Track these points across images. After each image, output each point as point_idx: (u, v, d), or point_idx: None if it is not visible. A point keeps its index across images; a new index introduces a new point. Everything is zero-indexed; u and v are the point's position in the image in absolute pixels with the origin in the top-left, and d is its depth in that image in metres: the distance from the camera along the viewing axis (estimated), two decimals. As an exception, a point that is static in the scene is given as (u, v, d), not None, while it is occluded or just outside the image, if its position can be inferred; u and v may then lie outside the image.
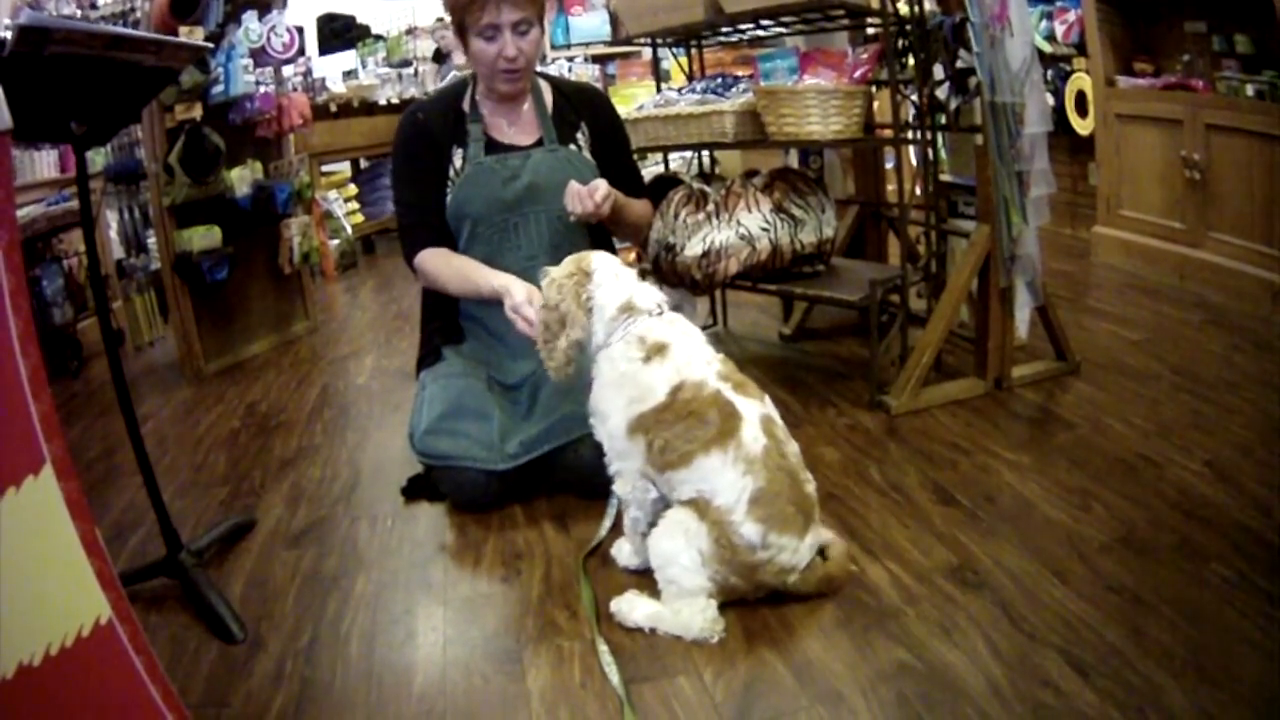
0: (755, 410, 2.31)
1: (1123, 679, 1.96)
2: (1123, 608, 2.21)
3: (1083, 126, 5.87)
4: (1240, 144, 4.52)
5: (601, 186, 2.92)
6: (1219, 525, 2.55)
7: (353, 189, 8.35)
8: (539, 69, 3.27)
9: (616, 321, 2.42)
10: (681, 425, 2.28)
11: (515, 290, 2.76)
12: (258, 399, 4.50)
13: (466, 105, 3.11)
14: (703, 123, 3.73)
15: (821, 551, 2.34)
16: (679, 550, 2.21)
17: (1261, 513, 2.59)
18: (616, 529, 2.68)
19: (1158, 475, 2.86)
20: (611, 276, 2.48)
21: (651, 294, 2.49)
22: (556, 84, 3.27)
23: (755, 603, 2.31)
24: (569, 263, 2.53)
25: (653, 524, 2.40)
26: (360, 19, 9.53)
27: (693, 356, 2.37)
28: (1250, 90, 4.51)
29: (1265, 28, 4.37)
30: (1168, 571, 2.35)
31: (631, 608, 2.28)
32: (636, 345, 2.38)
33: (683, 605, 2.20)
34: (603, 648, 2.19)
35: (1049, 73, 5.96)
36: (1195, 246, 4.89)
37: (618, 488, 2.52)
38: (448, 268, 3.04)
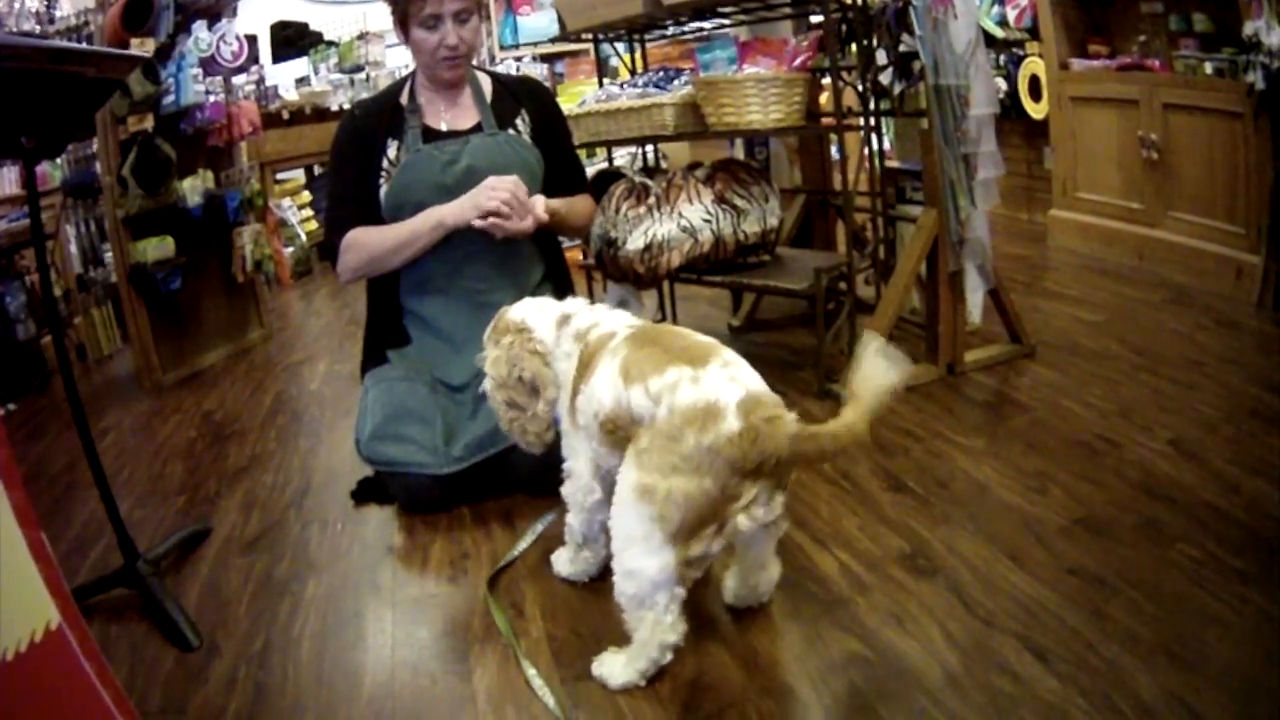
0: (625, 330, 2.24)
1: (1086, 663, 1.92)
2: (1084, 591, 2.18)
3: (1037, 111, 5.87)
4: (1199, 122, 4.52)
5: (539, 200, 2.96)
6: (1184, 504, 2.51)
7: (307, 196, 8.34)
8: (484, 67, 3.27)
9: (562, 340, 2.36)
10: (581, 373, 2.25)
11: (448, 208, 2.91)
12: (214, 408, 4.50)
13: (405, 99, 3.13)
14: (643, 116, 3.71)
15: None
16: (629, 519, 1.98)
17: (1229, 490, 2.56)
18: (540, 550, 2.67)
19: (1118, 456, 2.83)
20: (538, 312, 2.43)
21: (574, 301, 2.47)
22: (496, 76, 3.28)
23: (703, 596, 2.27)
24: (496, 333, 2.45)
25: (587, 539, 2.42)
26: (312, 26, 9.51)
27: (609, 321, 2.32)
28: (1209, 68, 4.51)
29: (1224, 6, 4.37)
30: (1131, 553, 2.31)
31: (611, 671, 2.07)
32: (574, 340, 2.32)
33: (645, 615, 2.01)
34: (530, 672, 2.12)
35: (1002, 58, 5.98)
36: (1154, 226, 4.88)
37: (564, 488, 2.43)
38: (376, 233, 3.05)
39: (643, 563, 1.93)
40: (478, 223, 2.85)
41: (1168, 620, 2.04)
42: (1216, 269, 4.42)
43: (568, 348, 2.33)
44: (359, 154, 3.09)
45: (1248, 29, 4.03)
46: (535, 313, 2.42)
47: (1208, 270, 4.48)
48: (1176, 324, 3.98)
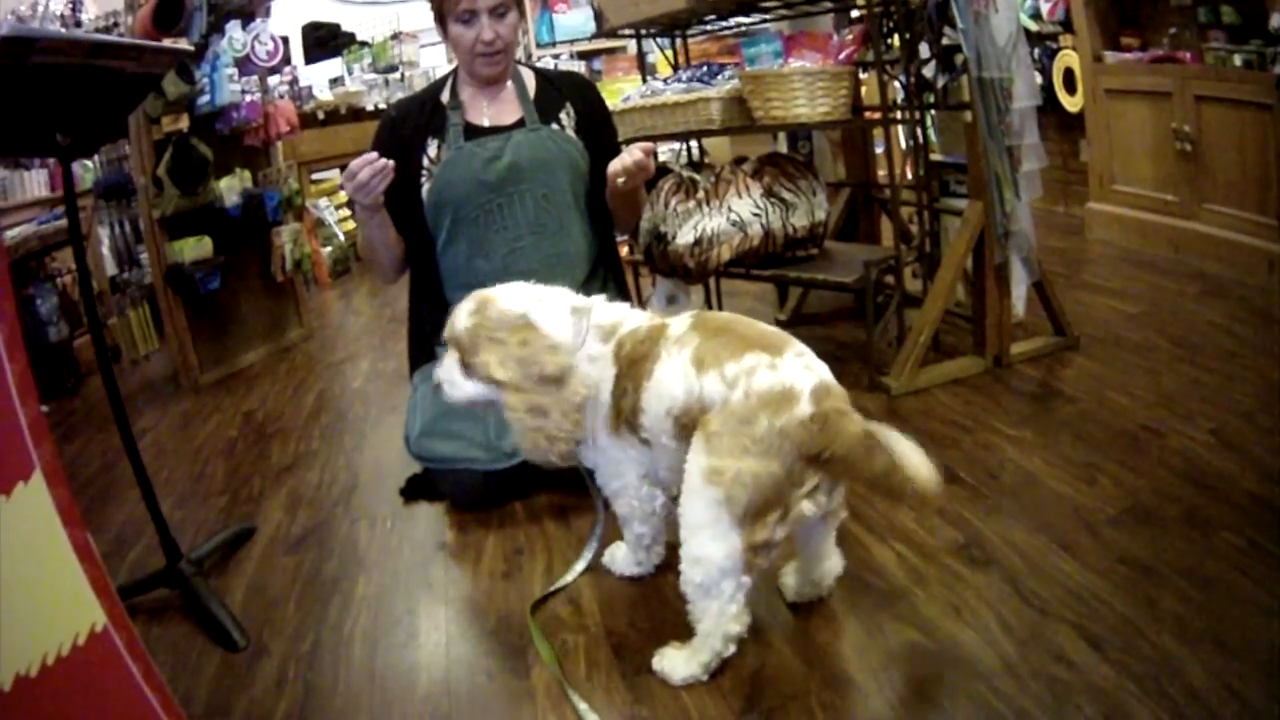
0: (686, 317, 2.18)
1: (1137, 651, 1.93)
2: (1133, 579, 2.18)
3: (1071, 103, 5.85)
4: (1230, 114, 4.51)
5: (637, 148, 2.87)
6: (1227, 493, 2.52)
7: (343, 195, 8.27)
8: (528, 62, 3.27)
9: (585, 339, 2.22)
10: (630, 375, 2.15)
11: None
12: (254, 407, 4.51)
13: (446, 96, 3.12)
14: (689, 110, 3.72)
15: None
16: (697, 505, 1.94)
17: (1270, 479, 2.56)
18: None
19: (1162, 446, 2.84)
20: (539, 304, 2.21)
21: (565, 293, 2.30)
22: (540, 71, 3.27)
23: (762, 591, 2.26)
24: (484, 327, 2.17)
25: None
26: (344, 26, 9.53)
27: (635, 315, 2.26)
28: (1238, 60, 4.50)
29: (1251, -2, 4.36)
30: (1177, 541, 2.32)
31: (673, 666, 2.04)
32: (599, 339, 2.22)
33: (710, 604, 1.98)
34: (580, 704, 2.01)
35: (1036, 51, 5.95)
36: (1189, 218, 4.88)
37: (617, 507, 2.39)
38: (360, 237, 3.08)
39: (710, 548, 1.92)
40: (361, 199, 2.84)
41: (1214, 608, 2.05)
42: (1250, 261, 4.42)
43: (594, 350, 2.21)
44: (393, 158, 3.03)
45: (1274, 21, 4.04)
46: (537, 304, 2.21)
47: (1242, 262, 4.48)
48: (1213, 315, 3.97)
